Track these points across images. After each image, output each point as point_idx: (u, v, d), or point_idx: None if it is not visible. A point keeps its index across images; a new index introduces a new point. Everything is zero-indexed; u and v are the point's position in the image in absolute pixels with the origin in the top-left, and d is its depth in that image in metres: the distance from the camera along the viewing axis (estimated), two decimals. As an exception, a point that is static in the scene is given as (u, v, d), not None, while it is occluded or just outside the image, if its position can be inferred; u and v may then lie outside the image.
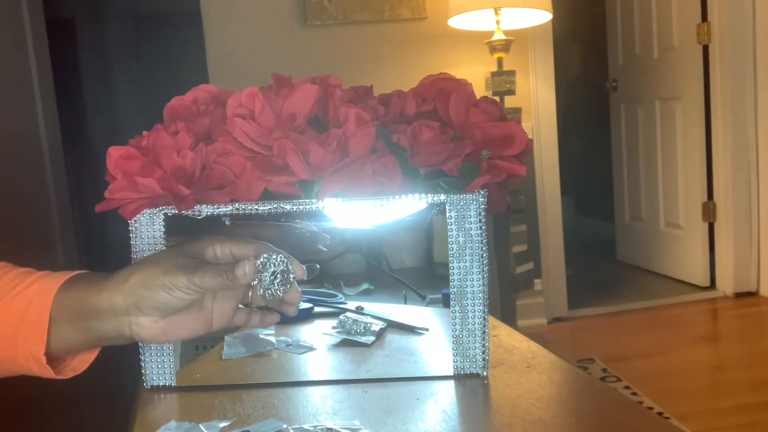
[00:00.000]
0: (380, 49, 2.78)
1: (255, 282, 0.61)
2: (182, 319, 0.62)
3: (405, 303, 0.77)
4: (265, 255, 0.61)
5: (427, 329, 0.77)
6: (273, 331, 0.81)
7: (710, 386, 2.34)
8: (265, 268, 0.61)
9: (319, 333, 0.80)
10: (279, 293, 0.61)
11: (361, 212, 0.69)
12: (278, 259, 0.61)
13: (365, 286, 0.76)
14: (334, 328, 0.79)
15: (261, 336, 0.80)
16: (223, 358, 0.77)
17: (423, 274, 0.71)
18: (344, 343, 0.78)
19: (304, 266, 0.63)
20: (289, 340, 0.79)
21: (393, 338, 0.78)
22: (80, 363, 0.65)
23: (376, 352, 0.76)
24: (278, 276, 0.61)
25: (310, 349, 0.78)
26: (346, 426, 0.60)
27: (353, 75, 2.65)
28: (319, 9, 2.71)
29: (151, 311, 0.60)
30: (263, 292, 0.61)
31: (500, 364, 0.74)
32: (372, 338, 0.77)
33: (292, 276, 0.62)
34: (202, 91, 0.74)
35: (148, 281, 0.60)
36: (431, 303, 0.74)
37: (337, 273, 0.76)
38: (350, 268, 0.75)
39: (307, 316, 0.79)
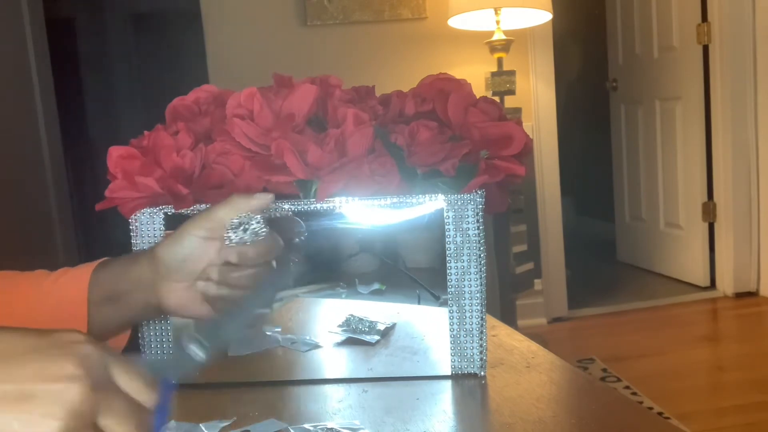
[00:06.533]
0: (380, 49, 2.78)
1: (229, 233, 0.59)
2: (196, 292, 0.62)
3: (419, 303, 0.76)
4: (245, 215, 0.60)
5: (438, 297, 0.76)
6: (279, 329, 0.81)
7: (710, 386, 2.34)
8: (240, 224, 0.60)
9: (324, 331, 0.80)
10: (246, 239, 0.59)
11: (375, 212, 0.69)
12: (255, 220, 0.60)
13: (376, 285, 0.76)
14: (339, 326, 0.80)
15: (267, 333, 0.80)
16: (229, 354, 0.77)
17: (438, 274, 0.71)
18: (349, 342, 0.78)
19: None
20: (295, 338, 0.79)
21: (398, 337, 0.78)
22: (114, 344, 0.66)
23: (380, 351, 0.76)
24: (249, 228, 0.59)
25: (316, 346, 0.78)
26: (346, 426, 0.60)
27: (353, 75, 2.65)
28: (319, 9, 2.71)
29: (172, 263, 0.60)
30: (231, 238, 0.59)
31: (500, 364, 0.74)
32: (376, 337, 0.77)
33: (261, 233, 0.60)
34: (203, 92, 0.74)
35: (173, 235, 0.61)
36: (445, 303, 0.74)
37: (351, 272, 0.76)
38: (364, 267, 0.75)
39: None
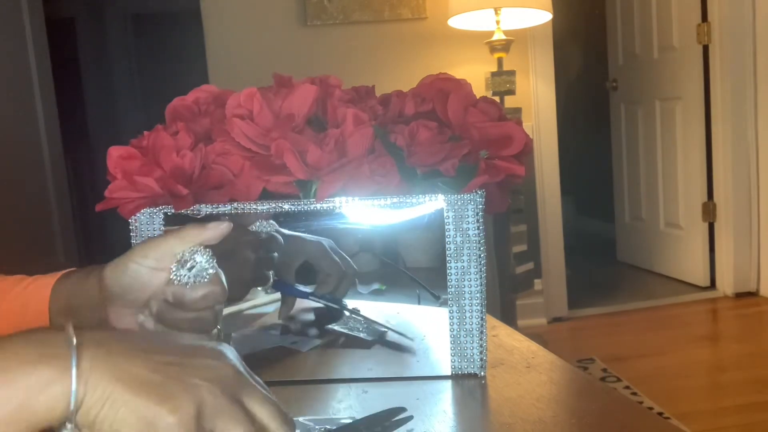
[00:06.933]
0: (380, 49, 2.78)
1: (173, 269, 0.56)
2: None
3: (419, 303, 0.76)
4: (191, 248, 0.56)
5: (413, 339, 0.76)
6: (278, 331, 0.81)
7: (710, 386, 2.34)
8: (186, 260, 0.56)
9: (324, 331, 0.80)
10: (189, 279, 0.56)
11: (375, 212, 0.69)
12: (204, 257, 0.56)
13: (376, 285, 0.76)
14: (337, 326, 0.80)
15: (268, 333, 0.80)
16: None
17: (438, 274, 0.71)
18: (347, 342, 0.78)
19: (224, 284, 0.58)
20: (295, 337, 0.79)
21: (397, 337, 0.78)
22: None
23: (378, 351, 0.76)
24: (195, 267, 0.56)
25: (315, 345, 0.78)
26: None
27: (353, 75, 2.65)
28: (319, 9, 2.71)
29: (115, 288, 0.57)
30: (176, 275, 0.56)
31: (500, 364, 0.74)
32: (375, 337, 0.77)
33: (206, 275, 0.57)
34: (203, 92, 0.74)
35: (120, 259, 0.58)
36: (445, 303, 0.74)
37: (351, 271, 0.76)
38: (364, 267, 0.75)
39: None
